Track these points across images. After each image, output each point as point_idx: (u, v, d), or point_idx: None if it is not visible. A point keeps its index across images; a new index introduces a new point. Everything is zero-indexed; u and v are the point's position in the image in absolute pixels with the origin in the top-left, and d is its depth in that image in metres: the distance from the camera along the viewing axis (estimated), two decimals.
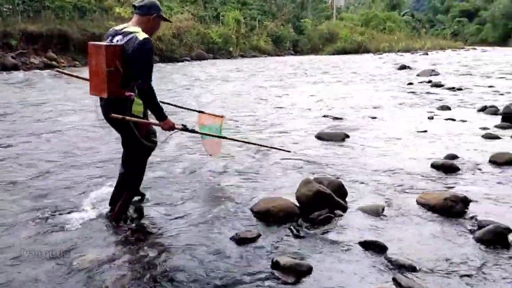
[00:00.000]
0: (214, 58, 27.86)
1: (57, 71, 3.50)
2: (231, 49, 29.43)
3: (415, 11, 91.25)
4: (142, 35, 2.90)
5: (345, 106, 9.53)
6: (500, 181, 4.41)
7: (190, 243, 3.02)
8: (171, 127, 3.16)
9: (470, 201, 3.71)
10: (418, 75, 16.66)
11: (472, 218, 3.45)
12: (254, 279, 2.59)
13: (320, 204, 3.52)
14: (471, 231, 3.22)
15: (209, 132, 4.06)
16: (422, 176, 4.58)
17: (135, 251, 2.91)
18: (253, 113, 8.73)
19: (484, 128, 7.09)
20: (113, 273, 2.63)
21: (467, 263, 2.78)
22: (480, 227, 3.21)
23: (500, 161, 4.98)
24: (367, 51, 38.88)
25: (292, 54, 35.54)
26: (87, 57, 3.03)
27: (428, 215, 3.54)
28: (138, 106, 3.09)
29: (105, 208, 3.54)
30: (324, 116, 8.27)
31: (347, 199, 3.87)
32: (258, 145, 5.02)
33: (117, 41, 2.97)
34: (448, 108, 9.12)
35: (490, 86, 12.71)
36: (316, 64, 24.54)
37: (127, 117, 3.00)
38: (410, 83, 13.94)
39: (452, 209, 3.53)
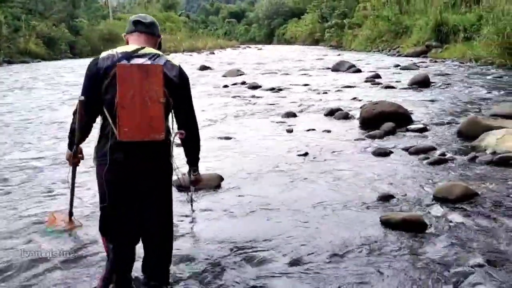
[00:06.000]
0: None
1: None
2: None
3: (188, 12, 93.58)
4: (173, 60, 2.19)
5: None
6: (495, 239, 2.99)
7: None
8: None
9: None
10: (224, 76, 15.47)
11: None
12: None
13: None
14: None
15: None
16: (396, 251, 2.83)
17: None
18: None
19: (359, 140, 5.97)
20: None
21: None
22: None
23: (452, 198, 3.63)
24: None
25: (69, 57, 30.65)
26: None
27: None
28: None
29: None
30: None
31: None
32: None
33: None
34: (294, 115, 7.85)
35: (306, 84, 12.25)
36: None
37: None
38: (226, 86, 12.50)
39: None
